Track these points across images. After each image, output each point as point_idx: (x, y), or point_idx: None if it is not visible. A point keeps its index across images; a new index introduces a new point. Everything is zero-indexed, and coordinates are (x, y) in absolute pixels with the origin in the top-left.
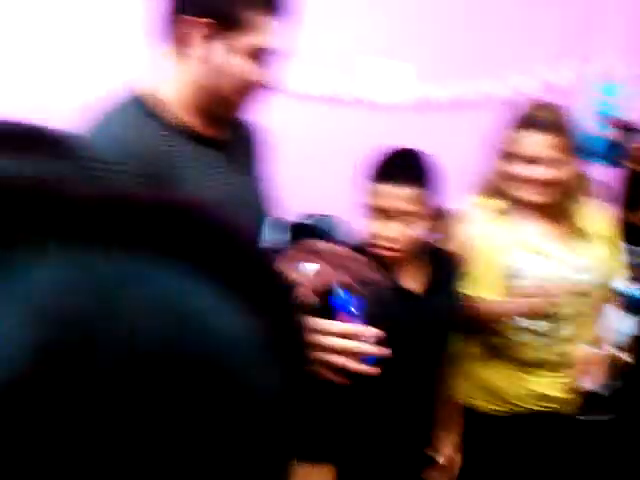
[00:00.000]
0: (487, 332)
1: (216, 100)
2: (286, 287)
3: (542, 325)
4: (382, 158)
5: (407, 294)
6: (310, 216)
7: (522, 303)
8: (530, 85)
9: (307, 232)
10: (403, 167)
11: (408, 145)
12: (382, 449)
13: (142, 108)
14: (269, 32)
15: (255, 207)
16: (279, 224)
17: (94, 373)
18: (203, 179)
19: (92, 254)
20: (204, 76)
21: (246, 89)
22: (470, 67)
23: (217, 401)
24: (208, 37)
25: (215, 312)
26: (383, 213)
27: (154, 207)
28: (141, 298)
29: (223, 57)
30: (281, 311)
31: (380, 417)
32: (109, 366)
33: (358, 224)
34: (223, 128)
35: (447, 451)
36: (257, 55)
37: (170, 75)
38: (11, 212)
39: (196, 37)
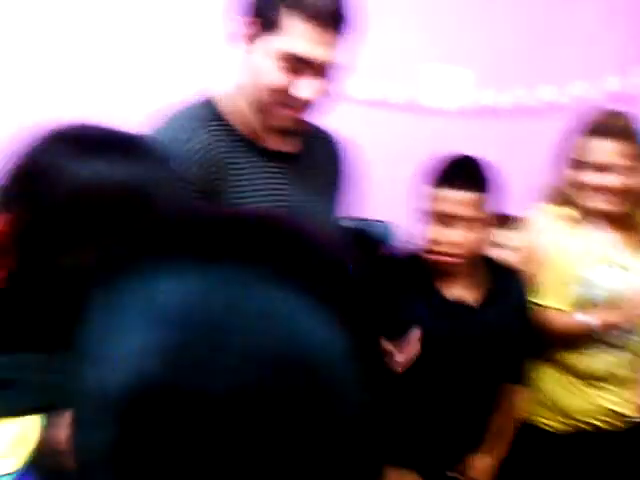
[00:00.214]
0: (557, 345)
1: (258, 106)
2: (370, 303)
3: (610, 337)
4: (443, 163)
5: (461, 306)
6: (363, 221)
7: (600, 316)
8: (591, 92)
9: (357, 237)
10: (465, 172)
11: (466, 151)
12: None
13: (205, 113)
14: (305, 38)
15: (318, 221)
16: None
17: (215, 376)
18: (250, 189)
19: (211, 269)
20: (247, 79)
21: (277, 95)
22: (530, 73)
23: (315, 409)
24: (252, 37)
25: (315, 326)
26: (444, 218)
27: (259, 225)
28: (255, 312)
29: (259, 59)
30: (364, 325)
31: (433, 431)
32: (227, 373)
33: (414, 230)
34: (287, 139)
35: (470, 474)
36: (291, 61)
37: (235, 79)
38: (135, 226)
39: (244, 37)
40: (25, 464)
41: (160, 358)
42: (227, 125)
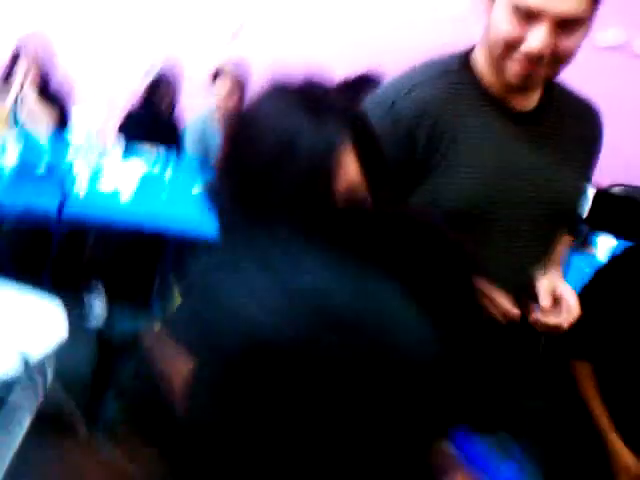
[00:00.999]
0: None
1: (493, 62)
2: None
3: None
4: None
5: None
6: (619, 186)
7: None
8: None
9: (612, 202)
10: None
11: None
12: None
13: (448, 66)
14: None
15: (556, 188)
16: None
17: (322, 343)
18: (478, 148)
19: (345, 263)
20: (486, 35)
21: (508, 48)
22: None
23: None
24: None
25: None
26: None
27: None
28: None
29: (495, 13)
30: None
31: None
32: (331, 344)
33: None
34: (525, 97)
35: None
36: (522, 12)
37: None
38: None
39: None
40: None
41: (275, 319)
42: (472, 79)
